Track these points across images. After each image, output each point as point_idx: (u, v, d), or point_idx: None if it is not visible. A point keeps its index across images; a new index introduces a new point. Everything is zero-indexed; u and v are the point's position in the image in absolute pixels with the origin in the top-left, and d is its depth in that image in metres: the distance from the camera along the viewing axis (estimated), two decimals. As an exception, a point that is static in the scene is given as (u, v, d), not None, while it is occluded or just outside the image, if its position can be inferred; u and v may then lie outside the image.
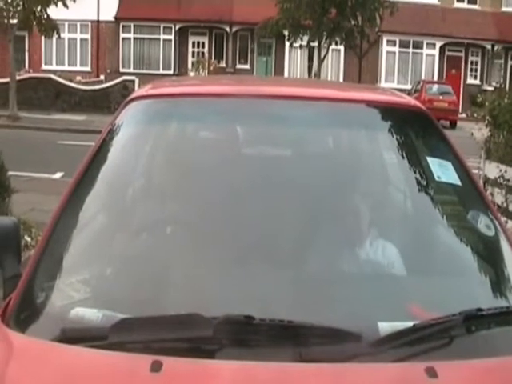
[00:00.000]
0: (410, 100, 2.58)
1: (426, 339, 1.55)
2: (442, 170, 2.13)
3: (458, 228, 2.09)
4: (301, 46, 26.20)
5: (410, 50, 30.34)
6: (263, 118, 2.30)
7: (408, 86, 26.64)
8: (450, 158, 2.21)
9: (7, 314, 1.71)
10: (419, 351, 1.53)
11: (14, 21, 19.06)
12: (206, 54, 29.90)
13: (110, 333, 1.51)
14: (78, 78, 26.76)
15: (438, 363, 1.49)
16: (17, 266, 1.93)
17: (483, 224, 2.01)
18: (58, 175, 11.12)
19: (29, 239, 6.41)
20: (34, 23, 19.49)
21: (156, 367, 1.44)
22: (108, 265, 1.89)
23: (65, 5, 18.85)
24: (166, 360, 1.46)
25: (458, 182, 2.13)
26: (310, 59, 27.55)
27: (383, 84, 28.20)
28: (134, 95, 2.45)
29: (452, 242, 2.02)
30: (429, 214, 2.12)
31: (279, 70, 29.70)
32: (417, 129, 2.40)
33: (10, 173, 6.43)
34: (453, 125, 23.21)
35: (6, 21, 18.93)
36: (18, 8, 18.67)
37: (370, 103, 2.42)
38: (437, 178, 2.11)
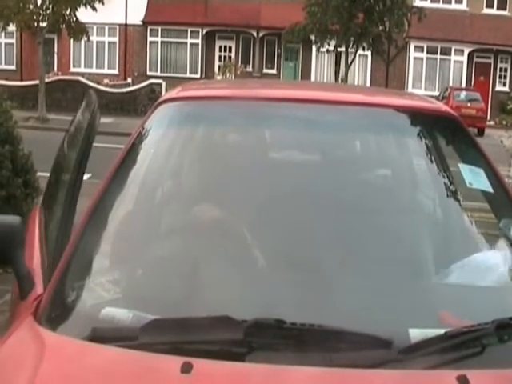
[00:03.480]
0: (441, 106, 2.57)
1: (458, 347, 1.53)
2: (474, 177, 2.11)
3: (489, 236, 2.07)
4: (328, 51, 26.14)
5: (438, 56, 30.11)
6: (292, 122, 2.29)
7: (435, 93, 26.42)
8: (481, 165, 2.19)
9: (39, 311, 1.72)
10: (450, 359, 1.52)
11: (44, 24, 19.27)
12: (233, 59, 29.98)
13: (140, 333, 1.52)
14: (106, 80, 26.97)
15: (470, 372, 1.48)
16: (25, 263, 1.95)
17: (515, 232, 1.99)
18: (86, 176, 11.19)
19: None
20: (63, 26, 19.68)
21: (186, 369, 1.45)
22: (139, 265, 1.90)
23: (93, 8, 19.00)
24: (196, 362, 1.46)
25: (490, 189, 2.11)
26: (337, 64, 27.50)
27: (410, 90, 28.01)
28: (163, 98, 2.45)
29: (484, 249, 2.00)
30: (460, 221, 2.10)
31: (306, 74, 29.65)
32: (448, 135, 2.39)
33: (38, 173, 6.48)
34: (481, 132, 23.00)
35: (35, 24, 19.16)
36: (48, 11, 18.86)
37: (400, 108, 2.40)
38: (468, 185, 2.09)
